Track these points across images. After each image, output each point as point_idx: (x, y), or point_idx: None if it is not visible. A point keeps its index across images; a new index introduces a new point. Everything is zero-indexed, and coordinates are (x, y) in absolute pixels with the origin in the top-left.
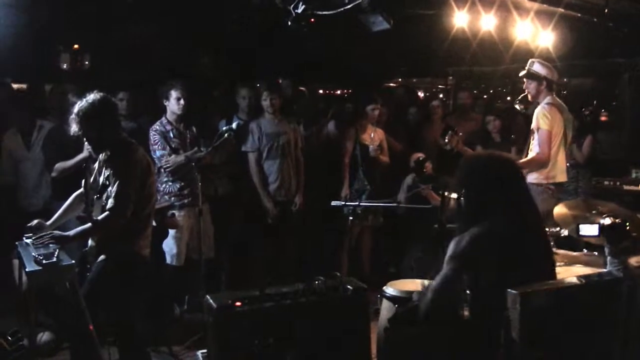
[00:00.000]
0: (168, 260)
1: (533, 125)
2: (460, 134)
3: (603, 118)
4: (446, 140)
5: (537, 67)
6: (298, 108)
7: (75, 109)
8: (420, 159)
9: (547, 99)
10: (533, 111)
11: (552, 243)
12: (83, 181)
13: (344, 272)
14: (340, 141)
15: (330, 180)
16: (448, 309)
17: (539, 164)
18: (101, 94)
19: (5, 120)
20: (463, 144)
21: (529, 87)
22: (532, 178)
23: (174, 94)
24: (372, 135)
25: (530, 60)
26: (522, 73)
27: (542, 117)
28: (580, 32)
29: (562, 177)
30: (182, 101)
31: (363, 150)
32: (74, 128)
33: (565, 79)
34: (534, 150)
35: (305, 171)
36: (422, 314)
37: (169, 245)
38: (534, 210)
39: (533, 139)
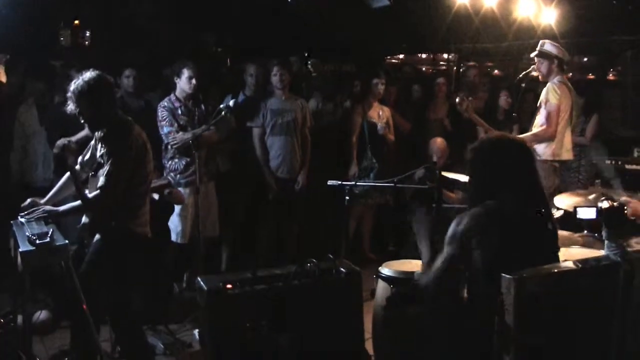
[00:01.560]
0: (173, 237)
1: (541, 100)
2: (470, 98)
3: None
4: (457, 101)
5: (549, 47)
6: (320, 83)
7: (71, 87)
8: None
9: (558, 77)
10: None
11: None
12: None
13: (341, 253)
14: (348, 119)
15: (336, 159)
16: (449, 290)
17: (545, 138)
18: (97, 72)
19: (22, 93)
20: (473, 111)
21: (541, 67)
22: (538, 154)
23: (186, 72)
24: (379, 113)
25: (540, 41)
26: (533, 53)
27: (552, 92)
28: (583, 9)
29: (567, 155)
30: (193, 80)
31: (370, 128)
32: (70, 106)
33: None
34: (538, 124)
35: (318, 149)
36: (423, 294)
37: (174, 223)
38: (541, 193)
39: (539, 114)
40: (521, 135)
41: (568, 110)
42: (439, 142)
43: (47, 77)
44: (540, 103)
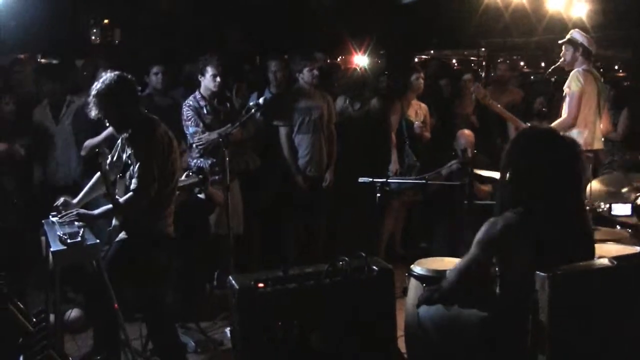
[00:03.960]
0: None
1: (565, 88)
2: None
3: None
4: (472, 90)
5: (576, 34)
6: (344, 82)
7: (92, 91)
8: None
9: (584, 66)
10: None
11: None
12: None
13: (380, 251)
14: (384, 116)
15: (373, 156)
16: (472, 291)
17: (565, 126)
18: (116, 72)
19: (37, 94)
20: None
21: (566, 54)
22: None
23: (210, 70)
24: (417, 111)
25: (571, 30)
26: (561, 40)
27: (575, 80)
28: (615, 3)
29: (598, 144)
30: (218, 78)
31: (408, 125)
32: (93, 112)
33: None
34: (563, 113)
35: (348, 147)
36: (444, 294)
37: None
38: (580, 193)
39: (564, 103)
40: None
41: (594, 98)
42: (467, 133)
43: (61, 77)
44: (564, 91)
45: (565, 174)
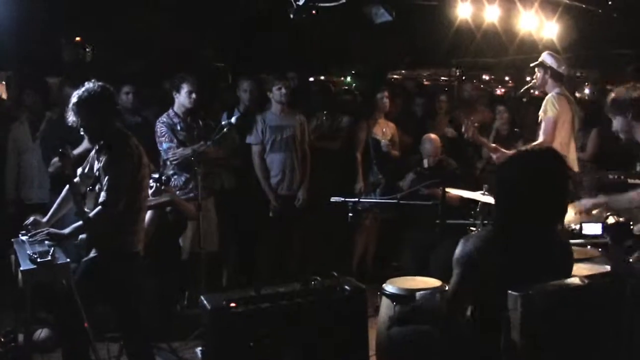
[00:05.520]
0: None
1: (540, 113)
2: (477, 124)
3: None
4: (463, 130)
5: (545, 57)
6: (317, 100)
7: (74, 98)
8: None
9: (557, 90)
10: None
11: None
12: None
13: (352, 270)
14: (353, 135)
15: (342, 174)
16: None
17: None
18: (99, 83)
19: (15, 110)
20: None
21: (537, 77)
22: None
23: (185, 87)
24: (384, 130)
25: (543, 52)
26: (533, 63)
27: (550, 105)
28: (585, 23)
29: (574, 167)
30: (193, 95)
31: (375, 144)
32: (71, 118)
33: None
34: (539, 137)
35: (318, 165)
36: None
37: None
38: (562, 214)
39: (539, 128)
40: None
41: (569, 122)
42: (432, 137)
43: (43, 93)
44: (540, 116)
45: (544, 195)
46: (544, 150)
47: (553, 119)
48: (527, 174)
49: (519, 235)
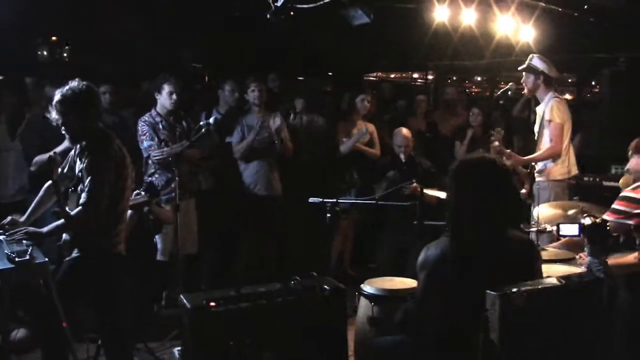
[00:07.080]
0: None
1: (545, 119)
2: (502, 131)
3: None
4: (492, 139)
5: (536, 61)
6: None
7: (57, 96)
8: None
9: (551, 94)
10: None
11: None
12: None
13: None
14: (330, 136)
15: (320, 175)
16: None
17: (553, 156)
18: (84, 82)
19: None
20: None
21: (527, 81)
22: (556, 175)
23: (167, 87)
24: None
25: (530, 55)
26: (521, 67)
27: (555, 111)
28: (561, 27)
29: (575, 170)
30: (174, 96)
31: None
32: (54, 115)
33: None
34: (545, 143)
35: (294, 166)
36: (412, 329)
37: (156, 240)
38: (516, 216)
39: (543, 134)
40: (530, 156)
41: (570, 126)
42: (404, 131)
43: (20, 93)
44: (542, 122)
45: (495, 198)
46: (481, 159)
47: (560, 124)
48: (468, 183)
49: (471, 240)
